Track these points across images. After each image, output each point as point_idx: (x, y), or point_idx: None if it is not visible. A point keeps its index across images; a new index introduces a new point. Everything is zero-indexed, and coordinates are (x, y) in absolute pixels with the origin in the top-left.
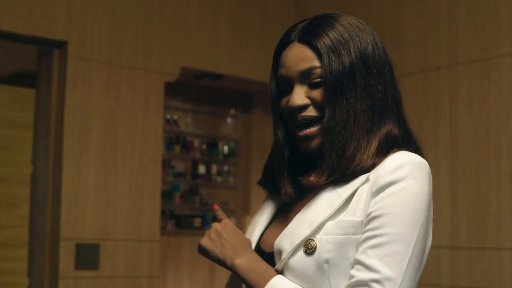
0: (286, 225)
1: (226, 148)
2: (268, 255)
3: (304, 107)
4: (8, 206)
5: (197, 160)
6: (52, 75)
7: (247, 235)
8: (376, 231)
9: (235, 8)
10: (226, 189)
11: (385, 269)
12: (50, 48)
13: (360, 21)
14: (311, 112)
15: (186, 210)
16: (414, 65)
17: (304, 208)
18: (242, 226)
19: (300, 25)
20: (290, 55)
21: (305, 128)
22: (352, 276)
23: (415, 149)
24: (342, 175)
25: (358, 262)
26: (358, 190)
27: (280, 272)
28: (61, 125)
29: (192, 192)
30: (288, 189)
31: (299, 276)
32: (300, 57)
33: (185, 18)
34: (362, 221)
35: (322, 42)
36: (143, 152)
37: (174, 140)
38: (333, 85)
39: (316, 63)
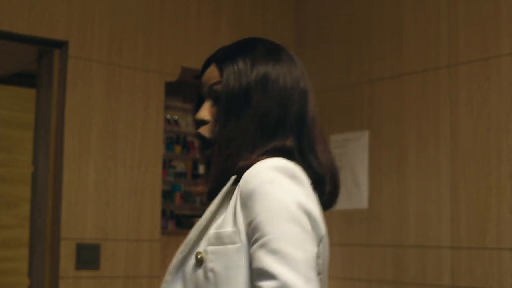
0: None
1: None
2: None
3: (204, 122)
4: (8, 206)
5: (198, 160)
6: (53, 75)
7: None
8: (260, 241)
9: (235, 8)
10: None
11: (283, 273)
12: (50, 48)
13: (282, 51)
14: (205, 132)
15: (186, 210)
16: (414, 65)
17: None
18: None
19: (222, 48)
20: (205, 73)
21: (201, 141)
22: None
23: (281, 154)
24: (213, 182)
25: (256, 270)
26: (228, 196)
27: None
28: (61, 125)
29: (192, 192)
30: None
31: (194, 285)
32: (210, 74)
33: (185, 18)
34: (234, 231)
35: (226, 64)
36: (144, 152)
37: (175, 140)
38: (226, 104)
39: (218, 80)
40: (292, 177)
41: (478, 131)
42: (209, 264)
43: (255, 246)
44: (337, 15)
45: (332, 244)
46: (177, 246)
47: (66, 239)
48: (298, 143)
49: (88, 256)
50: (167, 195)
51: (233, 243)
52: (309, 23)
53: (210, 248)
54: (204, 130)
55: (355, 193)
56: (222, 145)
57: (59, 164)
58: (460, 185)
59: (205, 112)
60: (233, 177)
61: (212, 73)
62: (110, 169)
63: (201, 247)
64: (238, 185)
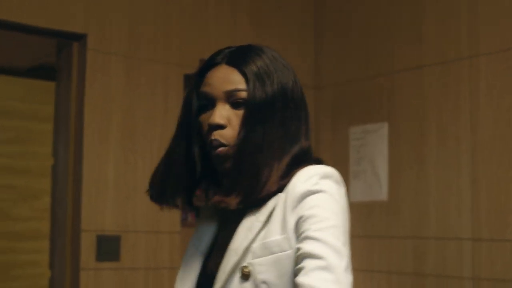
0: (222, 250)
1: None
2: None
3: (221, 127)
4: (29, 198)
5: None
6: (72, 68)
7: (186, 258)
8: (308, 231)
9: (254, 1)
10: None
11: (328, 256)
12: (69, 41)
13: (283, 58)
14: (223, 136)
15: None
16: (434, 56)
17: (232, 238)
18: None
19: (227, 50)
20: (218, 74)
21: (219, 147)
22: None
23: (318, 162)
24: (258, 200)
25: (301, 255)
26: (274, 210)
27: None
28: (81, 118)
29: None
30: (181, 198)
31: None
32: (228, 78)
33: (204, 10)
34: (285, 237)
35: (249, 68)
36: (163, 144)
37: None
38: (254, 111)
39: (242, 86)
40: (337, 182)
41: (498, 122)
42: (260, 276)
43: (303, 236)
44: (356, 6)
45: (351, 236)
46: None
47: (87, 231)
48: (304, 151)
49: (108, 248)
50: None
51: (283, 250)
52: (328, 15)
53: (257, 260)
54: (222, 136)
55: (375, 185)
56: (249, 154)
57: (78, 157)
58: (480, 176)
59: (222, 116)
60: (280, 194)
61: (230, 76)
62: (129, 161)
63: (244, 262)
64: (279, 196)
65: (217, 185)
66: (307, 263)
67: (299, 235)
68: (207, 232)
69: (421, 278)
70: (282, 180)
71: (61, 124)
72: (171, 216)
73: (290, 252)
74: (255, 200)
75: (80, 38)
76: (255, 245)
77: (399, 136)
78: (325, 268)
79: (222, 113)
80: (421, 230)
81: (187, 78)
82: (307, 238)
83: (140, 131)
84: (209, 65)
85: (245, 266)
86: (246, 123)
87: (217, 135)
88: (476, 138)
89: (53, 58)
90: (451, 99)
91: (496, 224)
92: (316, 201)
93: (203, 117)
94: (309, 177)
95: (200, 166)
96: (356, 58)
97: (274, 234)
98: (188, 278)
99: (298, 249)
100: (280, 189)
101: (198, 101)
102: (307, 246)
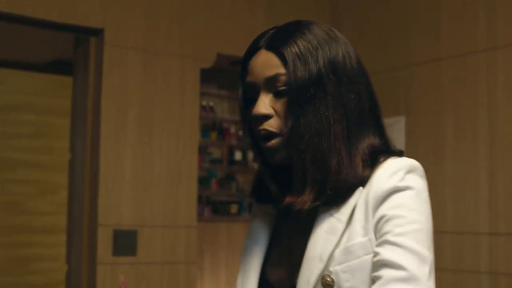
0: (290, 257)
1: None
2: None
3: (267, 117)
4: (47, 193)
5: (234, 147)
6: (89, 63)
7: (245, 265)
8: (390, 233)
9: None
10: None
11: (412, 267)
12: (86, 36)
13: (333, 29)
14: (272, 125)
15: (222, 197)
16: (451, 49)
17: (309, 243)
18: None
19: (271, 31)
20: (257, 61)
21: (268, 140)
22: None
23: (400, 154)
24: (336, 195)
25: (380, 261)
26: (356, 208)
27: None
28: (98, 112)
29: (228, 178)
30: (264, 196)
31: None
32: (266, 64)
33: (220, 3)
34: (369, 239)
35: (288, 49)
36: (180, 138)
37: (210, 127)
38: (298, 93)
39: (282, 70)
40: (422, 176)
41: None
42: (345, 284)
43: (383, 239)
44: (373, 0)
45: None
46: (213, 232)
47: (103, 225)
48: (382, 141)
49: (125, 242)
50: (203, 182)
51: (368, 253)
52: (345, 8)
53: (340, 267)
54: (271, 126)
55: None
56: (307, 141)
57: (96, 151)
58: (498, 171)
59: (266, 106)
60: (361, 189)
61: (270, 61)
62: (146, 156)
63: (325, 270)
64: (360, 191)
65: (283, 183)
66: (385, 273)
67: (380, 236)
68: (264, 233)
69: (438, 273)
70: (363, 171)
71: (78, 118)
72: (188, 211)
73: (372, 255)
74: (332, 194)
75: (97, 32)
76: (337, 250)
77: (416, 130)
78: (405, 280)
79: (266, 102)
80: (438, 225)
81: (203, 72)
82: (388, 242)
83: (157, 125)
84: (251, 51)
85: (327, 275)
86: (291, 108)
87: (265, 125)
88: (494, 132)
89: (71, 53)
90: (468, 93)
91: None
92: (401, 200)
93: (250, 110)
94: (395, 171)
95: (261, 161)
96: (372, 51)
97: (357, 235)
98: (247, 286)
99: (376, 253)
100: (361, 182)
101: (244, 93)
102: (386, 253)
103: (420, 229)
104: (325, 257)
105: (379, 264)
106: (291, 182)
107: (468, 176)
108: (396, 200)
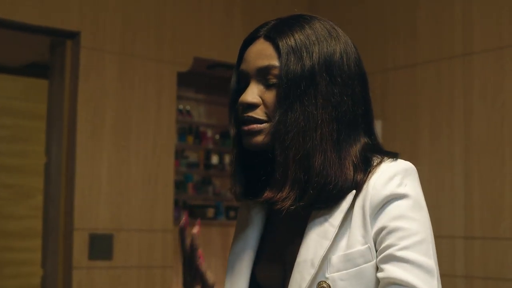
0: (281, 258)
1: None
2: None
3: (254, 106)
4: (22, 197)
5: (210, 150)
6: (65, 66)
7: (234, 265)
8: (394, 247)
9: None
10: None
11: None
12: (62, 39)
13: (336, 27)
14: (258, 114)
15: (199, 200)
16: (428, 54)
17: (301, 247)
18: None
19: (273, 21)
20: (253, 50)
21: (250, 124)
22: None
23: (394, 156)
24: (324, 197)
25: (387, 279)
26: (352, 213)
27: None
28: (74, 116)
29: (205, 182)
30: (237, 188)
31: None
32: (261, 53)
33: (198, 8)
34: (368, 247)
35: (284, 41)
36: (156, 142)
37: (187, 131)
38: (288, 87)
39: (275, 62)
40: (417, 179)
41: (492, 120)
42: None
43: (388, 253)
44: (350, 4)
45: None
46: (190, 236)
47: (79, 229)
48: (371, 130)
49: (101, 246)
50: (179, 185)
51: (367, 261)
52: (322, 12)
53: (337, 274)
54: (256, 114)
55: None
56: (291, 137)
57: (72, 155)
58: (474, 174)
59: (254, 95)
60: (353, 192)
61: (264, 51)
62: (123, 160)
63: (319, 276)
64: (353, 195)
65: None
66: None
67: (382, 249)
68: (253, 233)
69: None
70: (355, 174)
71: (54, 122)
72: (164, 215)
73: (373, 263)
74: (318, 196)
75: (73, 36)
76: (335, 257)
77: (393, 133)
78: None
79: (254, 91)
80: None
81: (180, 75)
82: (394, 258)
83: (133, 129)
84: (250, 39)
85: (323, 281)
86: (280, 101)
87: (250, 113)
88: (470, 136)
89: (47, 56)
90: (444, 97)
91: (489, 222)
92: (401, 211)
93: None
94: (391, 177)
95: (237, 147)
96: None
97: (357, 244)
98: (237, 286)
99: (382, 269)
100: (353, 186)
101: (237, 81)
102: (395, 270)
103: (423, 240)
104: (317, 262)
105: (388, 283)
106: (267, 174)
107: (444, 180)
108: (396, 210)
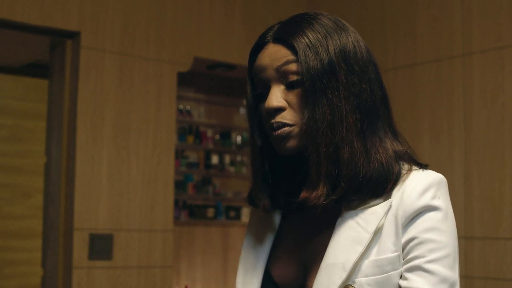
0: (299, 257)
1: (239, 138)
2: None
3: (281, 110)
4: (22, 197)
5: (210, 150)
6: (65, 66)
7: (247, 263)
8: (422, 259)
9: None
10: (239, 179)
11: None
12: (63, 39)
13: (341, 20)
14: (286, 118)
15: (199, 200)
16: (428, 54)
17: (329, 249)
18: None
19: (276, 25)
20: (265, 55)
21: (281, 128)
22: None
23: (425, 167)
24: (353, 189)
25: None
26: (385, 221)
27: None
28: (74, 116)
29: (205, 182)
30: (265, 201)
31: None
32: (275, 55)
33: (198, 8)
34: (398, 254)
35: (298, 40)
36: (156, 142)
37: (187, 131)
38: (312, 83)
39: (293, 57)
40: (448, 191)
41: (491, 120)
42: None
43: (415, 264)
44: (350, 4)
45: None
46: (190, 236)
47: (79, 229)
48: (398, 142)
49: (101, 246)
50: (179, 185)
51: (395, 269)
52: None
53: (365, 279)
54: (284, 118)
55: None
56: (319, 134)
57: (72, 155)
58: (474, 174)
59: (278, 98)
60: (390, 200)
61: (278, 52)
62: (123, 160)
63: (347, 280)
64: (389, 202)
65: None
66: None
67: (410, 259)
68: (268, 233)
69: None
70: (385, 165)
71: (54, 122)
72: (164, 215)
73: (400, 271)
74: (348, 188)
75: (73, 36)
76: (365, 262)
77: None
78: None
79: (278, 95)
80: None
81: (180, 75)
82: (420, 269)
83: (133, 128)
84: (257, 47)
85: (350, 285)
86: (307, 100)
87: (278, 118)
88: (469, 136)
89: (47, 56)
90: (444, 97)
91: (489, 222)
92: (433, 223)
93: (261, 106)
94: (426, 188)
95: (267, 157)
96: None
97: (387, 251)
98: (251, 287)
99: (406, 277)
100: (381, 176)
101: (253, 90)
102: (418, 281)
103: (450, 253)
104: (349, 266)
105: None
106: (296, 179)
107: None
108: (428, 222)
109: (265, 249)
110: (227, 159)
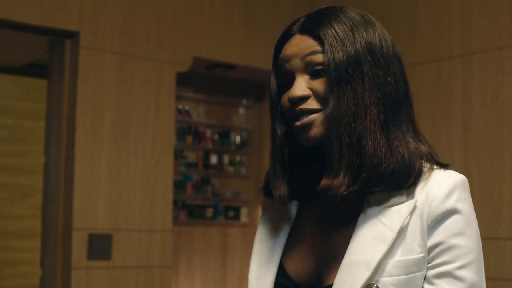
0: (317, 251)
1: (238, 138)
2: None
3: (305, 99)
4: (21, 197)
5: (209, 150)
6: (64, 66)
7: (260, 257)
8: (451, 265)
9: None
10: (238, 179)
11: None
12: (62, 39)
13: (367, 14)
14: (311, 104)
15: (198, 200)
16: (427, 54)
17: (351, 246)
18: (254, 216)
19: (303, 18)
20: (291, 45)
21: (304, 117)
22: None
23: (446, 166)
24: (377, 181)
25: None
26: (410, 221)
27: None
28: (73, 116)
29: (204, 182)
30: (282, 191)
31: None
32: (301, 45)
33: (197, 8)
34: (424, 256)
35: (325, 31)
36: (155, 142)
37: (186, 131)
38: (337, 73)
39: (319, 48)
40: (470, 192)
41: (491, 120)
42: None
43: (444, 270)
44: (349, 4)
45: None
46: (189, 236)
47: (78, 229)
48: (420, 140)
49: (100, 246)
50: (178, 185)
51: (420, 270)
52: None
53: (389, 279)
54: (308, 105)
55: None
56: (343, 124)
57: (71, 155)
58: (473, 174)
59: (302, 87)
60: (415, 200)
61: (304, 42)
62: (122, 160)
63: (371, 278)
64: (413, 202)
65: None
66: None
67: (438, 264)
68: (282, 226)
69: None
70: (406, 159)
71: (53, 122)
72: (163, 215)
73: (423, 272)
74: (370, 179)
75: (73, 36)
76: (390, 261)
77: None
78: None
79: (302, 84)
80: None
81: (180, 75)
82: (449, 275)
83: (132, 128)
84: (283, 38)
85: (373, 284)
86: (332, 89)
87: (302, 105)
88: (469, 136)
89: (46, 56)
90: (444, 97)
91: (488, 223)
92: (459, 227)
93: (285, 96)
94: (452, 190)
95: (287, 147)
96: None
97: (413, 252)
98: (265, 281)
99: (433, 283)
100: (405, 181)
101: (277, 80)
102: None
103: (477, 258)
104: (373, 264)
105: None
106: (313, 169)
107: None
108: (454, 227)
109: (280, 242)
110: (226, 159)
